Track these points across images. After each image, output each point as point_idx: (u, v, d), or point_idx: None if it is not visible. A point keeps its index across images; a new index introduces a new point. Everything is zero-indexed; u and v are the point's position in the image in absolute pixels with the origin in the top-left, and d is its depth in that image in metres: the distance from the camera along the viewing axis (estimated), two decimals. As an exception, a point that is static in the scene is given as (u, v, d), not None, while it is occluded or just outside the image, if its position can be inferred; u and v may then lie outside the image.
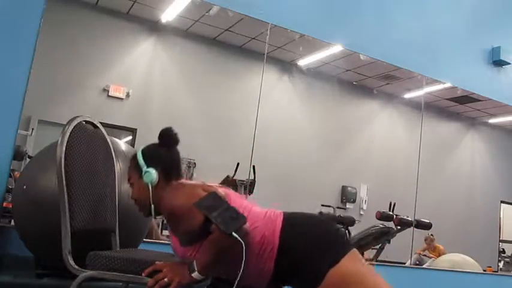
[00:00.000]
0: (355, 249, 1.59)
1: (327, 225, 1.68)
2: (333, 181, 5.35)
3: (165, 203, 1.63)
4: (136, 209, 1.75)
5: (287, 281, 1.63)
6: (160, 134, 1.71)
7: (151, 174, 1.65)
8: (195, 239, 1.56)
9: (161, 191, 1.65)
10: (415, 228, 4.56)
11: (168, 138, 1.72)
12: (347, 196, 5.31)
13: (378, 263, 4.28)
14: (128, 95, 4.22)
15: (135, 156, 1.72)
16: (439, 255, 5.15)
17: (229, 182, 3.88)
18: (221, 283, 1.66)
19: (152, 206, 1.66)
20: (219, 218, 1.45)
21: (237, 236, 1.44)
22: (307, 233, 1.59)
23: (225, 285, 1.55)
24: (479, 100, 5.39)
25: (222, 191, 1.66)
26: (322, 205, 4.80)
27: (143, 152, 1.71)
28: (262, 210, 1.67)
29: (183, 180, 1.73)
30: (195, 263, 1.53)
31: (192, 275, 1.51)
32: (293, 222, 1.62)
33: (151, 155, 1.70)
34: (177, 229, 1.63)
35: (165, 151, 1.72)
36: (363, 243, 4.23)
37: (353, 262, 1.56)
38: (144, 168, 1.66)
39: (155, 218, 1.73)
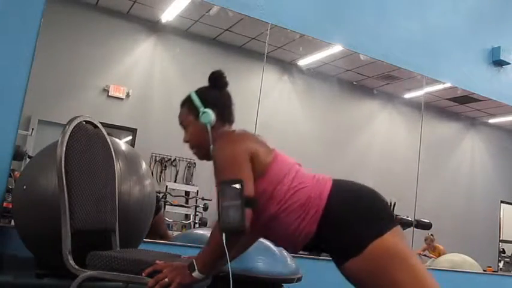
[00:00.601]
0: (399, 226, 1.57)
1: (376, 197, 1.63)
2: (333, 181, 5.34)
3: (215, 148, 1.60)
4: (190, 151, 1.72)
5: (323, 247, 1.59)
6: (210, 76, 1.71)
7: (209, 114, 1.64)
8: None
9: (215, 134, 1.64)
10: (415, 228, 4.55)
11: (219, 78, 1.71)
12: (347, 196, 5.30)
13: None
14: (128, 95, 4.22)
15: (188, 98, 1.70)
16: (439, 255, 5.14)
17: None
18: (222, 283, 1.66)
19: (211, 146, 1.63)
20: (226, 211, 1.42)
21: (224, 241, 1.41)
22: (355, 201, 1.57)
23: (225, 285, 1.54)
24: (479, 100, 5.39)
25: (271, 150, 1.67)
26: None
27: (197, 93, 1.70)
28: (310, 173, 1.66)
29: (235, 129, 1.72)
30: (195, 262, 1.52)
31: (193, 274, 1.50)
32: (343, 189, 1.60)
33: (206, 96, 1.69)
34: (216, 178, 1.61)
35: (217, 93, 1.71)
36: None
37: (398, 238, 1.53)
38: (202, 108, 1.65)
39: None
